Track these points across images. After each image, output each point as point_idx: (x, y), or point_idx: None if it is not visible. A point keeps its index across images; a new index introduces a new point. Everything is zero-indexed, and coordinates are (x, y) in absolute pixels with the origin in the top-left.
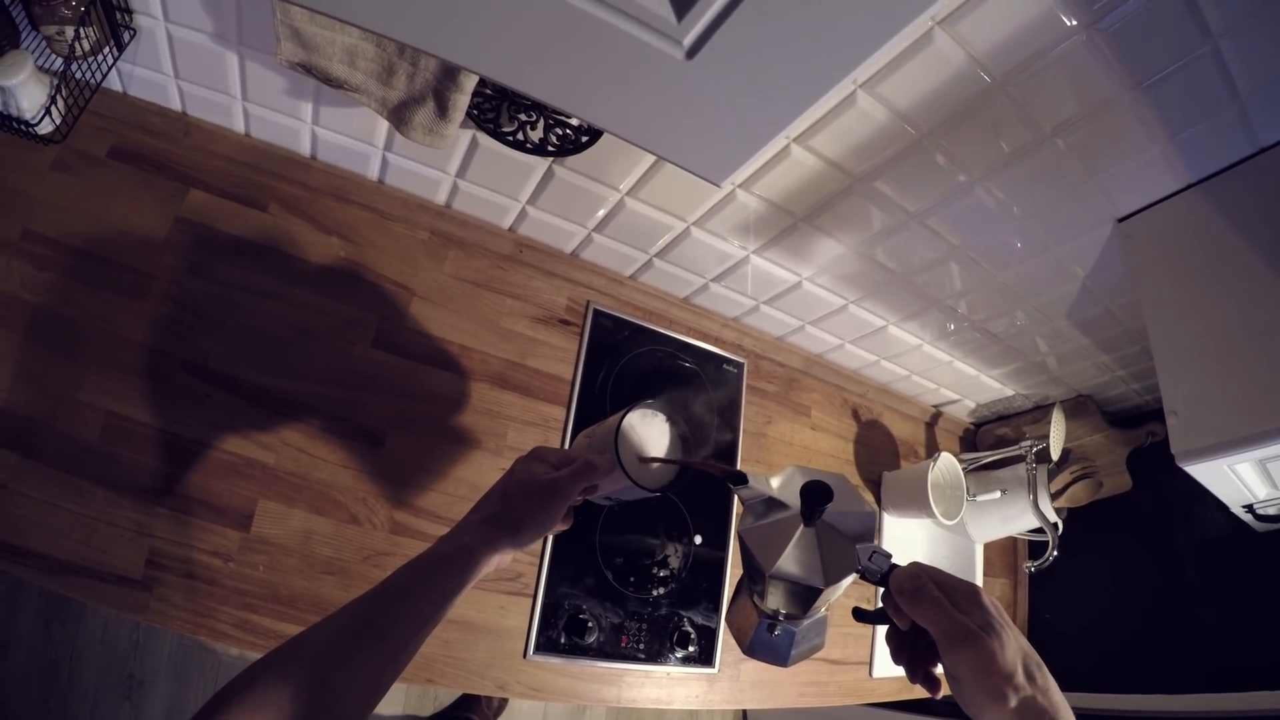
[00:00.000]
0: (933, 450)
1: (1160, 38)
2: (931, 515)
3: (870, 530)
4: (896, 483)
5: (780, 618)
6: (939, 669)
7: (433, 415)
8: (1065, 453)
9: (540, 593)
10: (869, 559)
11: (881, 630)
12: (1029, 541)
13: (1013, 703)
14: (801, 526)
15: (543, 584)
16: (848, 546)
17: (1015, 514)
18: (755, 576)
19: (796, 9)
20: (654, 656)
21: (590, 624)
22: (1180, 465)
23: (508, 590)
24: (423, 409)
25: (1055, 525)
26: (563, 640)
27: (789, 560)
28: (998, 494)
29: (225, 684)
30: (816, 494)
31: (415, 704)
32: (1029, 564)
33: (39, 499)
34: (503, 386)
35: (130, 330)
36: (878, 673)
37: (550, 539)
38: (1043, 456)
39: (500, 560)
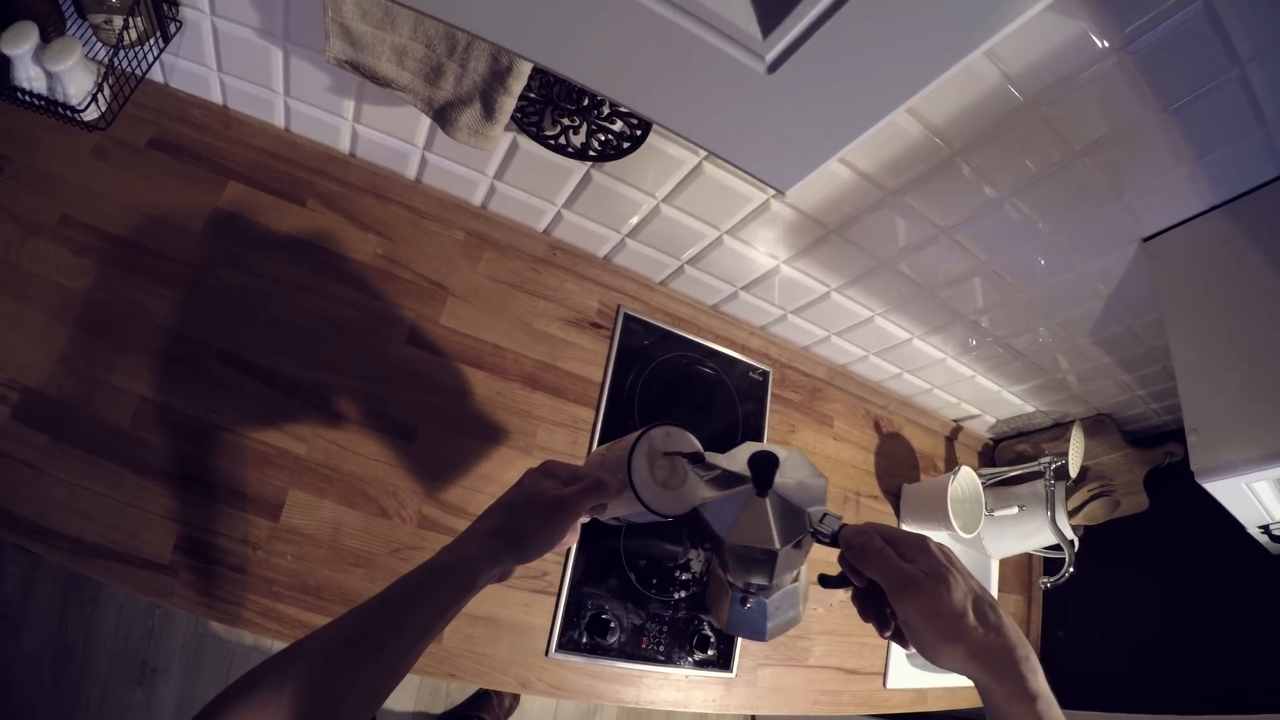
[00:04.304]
0: (952, 464)
1: (1189, 62)
2: (950, 528)
3: (821, 497)
4: (916, 495)
5: (751, 590)
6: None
7: (464, 412)
8: (1083, 470)
9: (564, 591)
10: (820, 522)
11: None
12: (1044, 558)
13: (964, 642)
14: (754, 496)
15: (567, 583)
16: (799, 511)
17: (1032, 530)
18: (718, 548)
19: (874, 33)
20: (673, 659)
21: (612, 624)
22: (1199, 482)
23: (532, 588)
24: (454, 406)
25: (1072, 542)
26: (584, 640)
27: (744, 527)
28: (1015, 509)
29: (225, 688)
30: (762, 463)
31: (427, 701)
32: (1044, 580)
33: (68, 481)
34: (534, 387)
35: (165, 318)
36: (892, 684)
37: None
38: (1061, 473)
39: (504, 572)
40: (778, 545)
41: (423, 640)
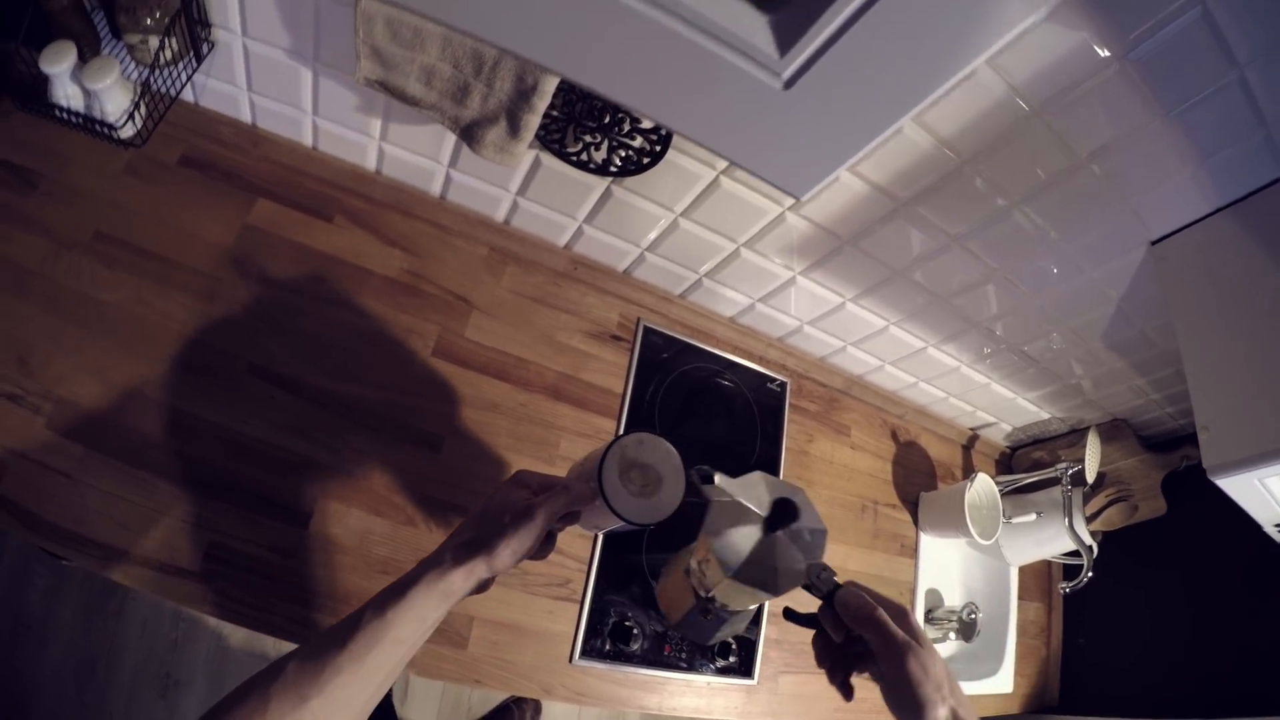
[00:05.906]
0: (969, 473)
1: (1189, 67)
2: (968, 535)
3: (821, 547)
4: (934, 503)
5: (720, 611)
6: (857, 677)
7: (489, 423)
8: (1100, 476)
9: (587, 599)
10: (817, 577)
11: None
12: (1063, 566)
13: (941, 710)
14: (761, 535)
15: (590, 590)
16: (799, 562)
17: (1050, 536)
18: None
19: (880, 50)
20: (695, 666)
21: (635, 631)
22: (1212, 479)
23: (556, 595)
24: (480, 417)
25: (1090, 547)
26: (607, 646)
27: (748, 567)
28: (1033, 516)
29: (222, 697)
30: (785, 513)
31: (448, 714)
32: (1064, 584)
33: (102, 490)
34: (557, 398)
35: (197, 331)
36: None
37: (598, 546)
38: (1078, 479)
39: (483, 584)
40: (775, 593)
41: (401, 649)
